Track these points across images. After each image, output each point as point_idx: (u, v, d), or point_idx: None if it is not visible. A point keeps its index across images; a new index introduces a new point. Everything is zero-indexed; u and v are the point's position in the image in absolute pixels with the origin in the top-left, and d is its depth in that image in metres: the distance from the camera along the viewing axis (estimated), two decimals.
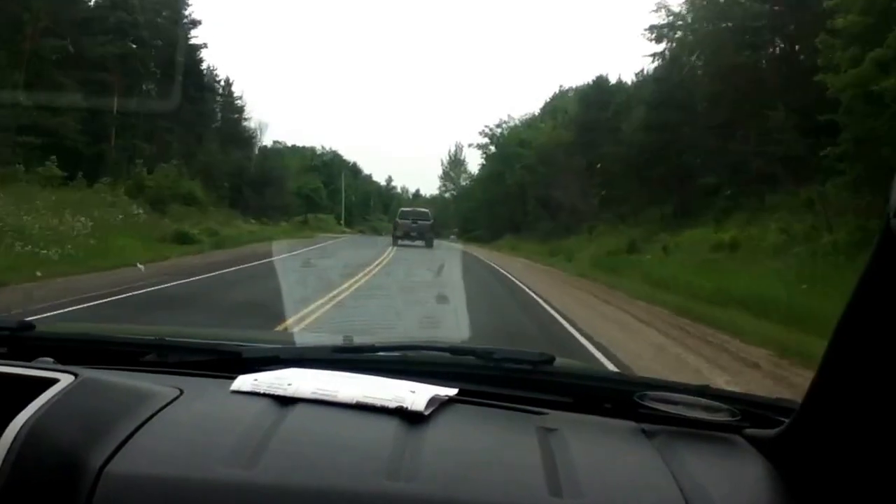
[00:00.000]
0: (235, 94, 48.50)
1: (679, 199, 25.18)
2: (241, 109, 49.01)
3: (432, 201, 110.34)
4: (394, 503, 0.82)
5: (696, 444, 1.03)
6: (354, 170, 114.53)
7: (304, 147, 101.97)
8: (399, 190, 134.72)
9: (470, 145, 55.30)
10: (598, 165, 32.85)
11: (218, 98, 48.35)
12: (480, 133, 56.35)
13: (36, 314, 6.72)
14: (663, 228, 24.13)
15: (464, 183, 74.82)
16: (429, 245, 28.80)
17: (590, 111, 37.82)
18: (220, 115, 47.91)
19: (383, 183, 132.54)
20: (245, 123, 49.02)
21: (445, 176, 79.22)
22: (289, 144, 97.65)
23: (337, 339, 1.61)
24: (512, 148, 49.77)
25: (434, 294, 10.91)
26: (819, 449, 0.86)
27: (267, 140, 62.05)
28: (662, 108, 25.62)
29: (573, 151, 36.88)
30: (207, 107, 42.11)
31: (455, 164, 79.68)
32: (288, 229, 39.28)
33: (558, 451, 0.94)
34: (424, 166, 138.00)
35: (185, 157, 34.16)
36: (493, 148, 53.53)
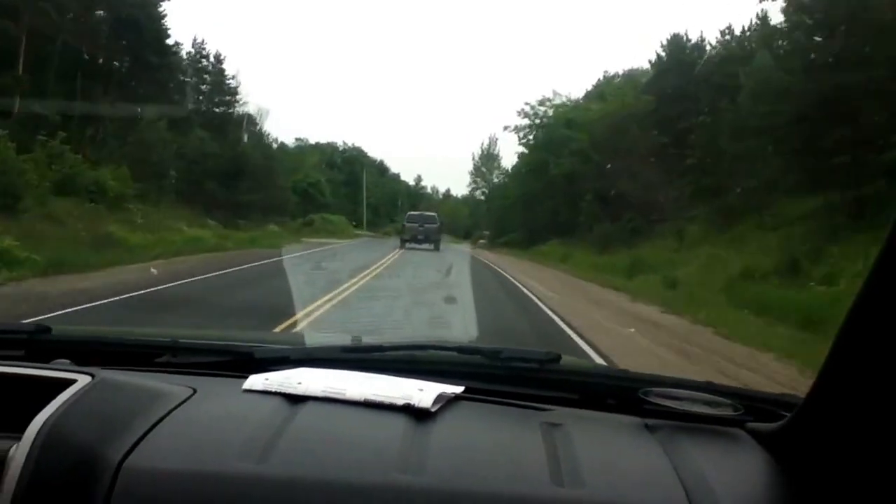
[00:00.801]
0: (228, 74, 39.20)
1: (858, 186, 14.65)
2: (233, 91, 40.03)
3: (463, 202, 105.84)
4: (402, 495, 0.83)
5: (698, 437, 1.04)
6: (381, 168, 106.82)
7: (326, 143, 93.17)
8: (429, 190, 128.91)
9: (507, 128, 44.43)
10: (692, 141, 22.44)
11: (206, 76, 39.68)
12: (519, 113, 44.95)
13: None
14: (835, 233, 13.81)
15: (497, 180, 64.52)
16: (436, 248, 27.95)
17: (668, 76, 27.54)
18: (203, 93, 39.00)
19: (412, 182, 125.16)
20: (239, 108, 39.94)
21: (476, 172, 68.96)
22: (311, 142, 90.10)
23: (346, 340, 1.58)
24: (559, 129, 39.27)
25: None
26: (821, 442, 0.87)
27: (287, 137, 53.29)
28: (825, 35, 15.15)
29: (646, 126, 26.65)
30: (174, 78, 32.80)
31: (488, 158, 69.51)
32: (272, 233, 29.88)
33: (562, 445, 0.96)
34: (455, 165, 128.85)
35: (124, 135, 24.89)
36: (531, 137, 43.00)
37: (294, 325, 7.09)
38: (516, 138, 44.60)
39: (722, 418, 1.07)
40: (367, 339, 1.55)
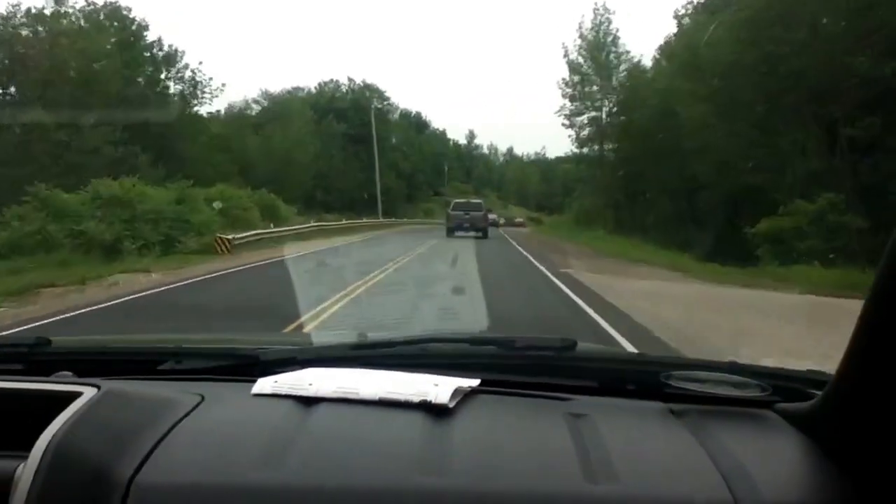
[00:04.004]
0: None
1: None
2: None
3: (532, 164, 78.48)
4: (428, 498, 0.84)
5: (727, 421, 1.05)
6: (417, 123, 73.44)
7: (324, 83, 59.74)
8: (486, 150, 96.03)
9: None
10: None
11: None
12: None
13: None
14: None
15: (617, 84, 29.70)
16: (484, 236, 29.22)
17: None
18: None
19: (463, 141, 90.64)
20: None
21: (576, 77, 33.90)
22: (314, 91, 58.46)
23: (353, 337, 1.59)
24: None
25: None
26: (855, 420, 0.88)
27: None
28: None
29: None
30: None
31: (595, 48, 34.34)
32: None
33: (589, 437, 0.97)
34: (520, 115, 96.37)
35: None
36: None
37: None
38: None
39: (750, 400, 1.07)
40: (374, 335, 1.57)
